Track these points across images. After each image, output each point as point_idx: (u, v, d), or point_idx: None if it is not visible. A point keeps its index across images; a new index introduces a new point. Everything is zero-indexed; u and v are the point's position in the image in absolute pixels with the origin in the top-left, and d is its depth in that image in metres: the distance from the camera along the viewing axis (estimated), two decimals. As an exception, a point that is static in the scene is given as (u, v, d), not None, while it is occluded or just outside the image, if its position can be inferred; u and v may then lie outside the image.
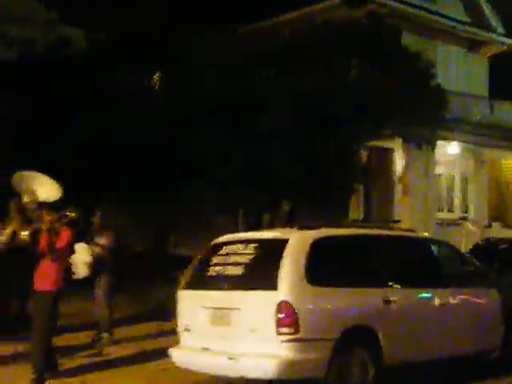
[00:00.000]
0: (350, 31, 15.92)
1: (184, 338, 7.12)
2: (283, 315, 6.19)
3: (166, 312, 9.58)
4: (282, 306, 6.20)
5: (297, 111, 14.02)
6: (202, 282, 7.18)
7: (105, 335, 9.59)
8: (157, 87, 18.73)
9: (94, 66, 18.72)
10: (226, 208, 15.74)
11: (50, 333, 7.95)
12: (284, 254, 6.43)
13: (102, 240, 9.59)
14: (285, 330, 6.18)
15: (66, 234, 8.03)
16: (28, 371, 7.82)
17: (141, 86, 17.76)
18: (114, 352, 9.14)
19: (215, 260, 7.13)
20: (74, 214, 8.00)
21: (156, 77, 19.40)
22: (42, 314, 7.84)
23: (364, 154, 17.76)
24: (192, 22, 19.62)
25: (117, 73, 18.18)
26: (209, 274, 7.11)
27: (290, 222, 13.94)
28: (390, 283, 7.03)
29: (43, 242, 7.93)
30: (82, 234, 9.18)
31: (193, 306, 7.05)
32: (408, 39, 18.87)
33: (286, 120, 13.91)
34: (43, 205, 8.17)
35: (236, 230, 7.58)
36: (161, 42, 19.25)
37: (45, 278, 7.89)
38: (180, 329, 7.18)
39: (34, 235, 8.13)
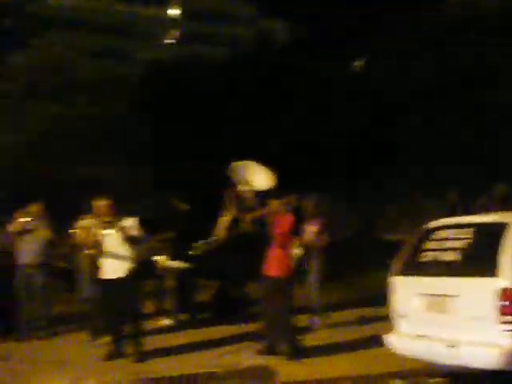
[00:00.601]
0: None
1: (399, 324, 7.05)
2: (506, 303, 5.89)
3: (378, 298, 9.53)
4: (504, 294, 5.90)
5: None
6: (416, 267, 7.03)
7: (318, 320, 9.78)
8: (360, 73, 18.64)
9: (297, 57, 19.09)
10: (436, 191, 15.29)
11: (288, 315, 8.23)
12: (504, 239, 6.11)
13: (313, 226, 9.76)
14: (507, 318, 5.89)
15: (288, 221, 8.30)
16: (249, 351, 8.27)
17: (346, 74, 17.83)
18: (328, 337, 9.26)
19: (429, 245, 6.96)
20: (294, 201, 8.23)
21: (359, 63, 19.30)
22: (275, 299, 8.16)
23: None
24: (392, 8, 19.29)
25: (320, 62, 18.40)
26: (423, 259, 6.95)
27: (506, 205, 13.17)
28: None
29: (269, 228, 8.25)
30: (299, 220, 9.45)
31: (407, 293, 6.94)
32: None
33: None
34: (259, 193, 8.49)
35: (445, 215, 7.34)
36: (363, 29, 19.12)
37: (273, 263, 8.20)
38: (394, 315, 7.12)
39: (258, 222, 8.45)
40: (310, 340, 9.02)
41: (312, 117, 16.85)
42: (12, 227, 9.68)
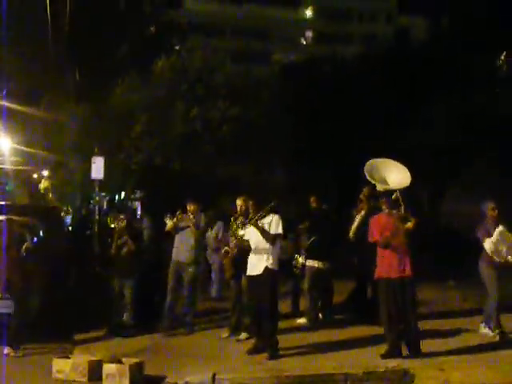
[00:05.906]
0: None
1: None
2: None
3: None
4: None
5: None
6: None
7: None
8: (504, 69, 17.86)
9: (436, 54, 18.53)
10: None
11: (415, 314, 8.09)
12: None
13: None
14: None
15: (415, 220, 8.04)
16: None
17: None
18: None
19: None
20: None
21: (503, 58, 18.47)
22: (402, 300, 8.00)
23: None
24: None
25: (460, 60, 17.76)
26: None
27: None
28: None
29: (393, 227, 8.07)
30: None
31: None
32: None
33: None
34: (390, 192, 8.25)
35: None
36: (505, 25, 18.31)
37: (402, 263, 8.02)
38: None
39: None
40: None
41: (452, 115, 16.33)
42: (168, 226, 10.01)
